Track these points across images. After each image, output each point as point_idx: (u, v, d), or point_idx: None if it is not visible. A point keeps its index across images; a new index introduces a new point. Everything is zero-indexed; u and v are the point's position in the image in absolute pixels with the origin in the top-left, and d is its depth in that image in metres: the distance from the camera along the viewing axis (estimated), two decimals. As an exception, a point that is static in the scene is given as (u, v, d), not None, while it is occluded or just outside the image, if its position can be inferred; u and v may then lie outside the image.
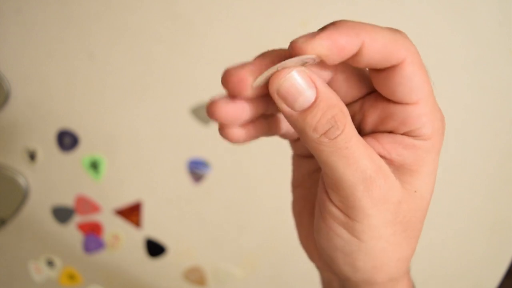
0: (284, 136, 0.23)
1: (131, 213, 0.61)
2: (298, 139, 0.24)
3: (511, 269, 0.59)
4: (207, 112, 0.19)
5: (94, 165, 0.59)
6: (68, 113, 0.57)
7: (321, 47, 0.16)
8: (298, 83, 0.17)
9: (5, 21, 0.53)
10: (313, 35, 0.16)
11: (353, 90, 0.20)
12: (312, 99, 0.17)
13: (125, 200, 0.61)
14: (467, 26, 0.48)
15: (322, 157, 0.17)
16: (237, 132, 0.19)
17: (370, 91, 0.20)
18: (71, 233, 0.63)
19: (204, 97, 0.54)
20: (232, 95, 0.18)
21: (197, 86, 0.54)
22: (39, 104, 0.57)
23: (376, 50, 0.17)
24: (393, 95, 0.18)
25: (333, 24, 0.17)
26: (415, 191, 0.19)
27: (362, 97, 0.20)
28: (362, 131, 0.20)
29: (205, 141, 0.56)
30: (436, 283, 0.60)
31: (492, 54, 0.49)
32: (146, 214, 0.61)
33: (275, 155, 0.53)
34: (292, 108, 0.17)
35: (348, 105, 0.20)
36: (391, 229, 0.19)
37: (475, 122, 0.52)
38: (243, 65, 0.18)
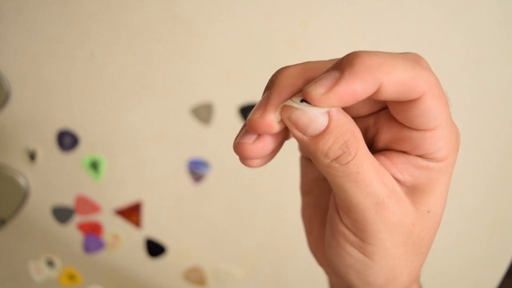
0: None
1: (131, 213, 0.61)
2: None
3: (511, 269, 0.58)
4: (234, 150, 0.19)
5: (94, 165, 0.59)
6: (68, 113, 0.57)
7: (337, 101, 0.16)
8: (309, 113, 0.17)
9: (5, 21, 0.53)
10: (328, 84, 0.16)
11: (368, 105, 0.20)
12: (324, 125, 0.17)
13: (125, 200, 0.61)
14: (467, 26, 0.48)
15: (334, 181, 0.17)
16: (258, 161, 0.19)
17: (385, 106, 0.20)
18: (71, 233, 0.63)
19: (204, 97, 0.54)
20: (259, 134, 0.18)
21: (197, 86, 0.54)
22: (39, 104, 0.57)
23: (394, 89, 0.16)
24: (410, 123, 0.18)
25: (349, 63, 0.16)
26: (428, 211, 0.19)
27: (377, 111, 0.20)
28: (374, 146, 0.20)
29: (205, 141, 0.56)
30: (436, 283, 0.60)
31: (492, 54, 0.49)
32: (146, 214, 0.61)
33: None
34: (304, 134, 0.17)
35: (361, 118, 0.20)
36: (403, 249, 0.19)
37: (475, 122, 0.52)
38: (264, 107, 0.17)
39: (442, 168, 0.19)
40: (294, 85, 0.18)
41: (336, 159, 0.17)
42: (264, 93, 0.18)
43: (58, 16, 0.52)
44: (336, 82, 0.16)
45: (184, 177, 0.58)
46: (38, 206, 0.62)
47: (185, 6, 0.51)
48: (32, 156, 0.59)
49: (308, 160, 0.24)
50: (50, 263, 0.65)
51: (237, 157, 0.19)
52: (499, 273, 0.59)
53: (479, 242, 0.57)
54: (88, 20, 0.52)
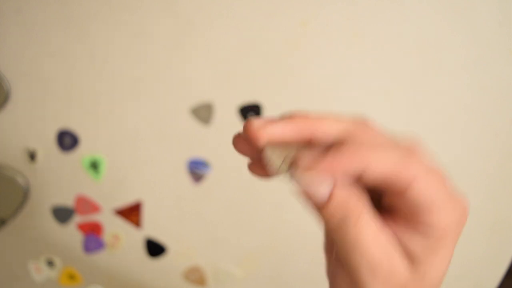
0: None
1: (131, 213, 0.61)
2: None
3: (511, 269, 0.58)
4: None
5: (94, 165, 0.59)
6: (68, 113, 0.57)
7: (321, 184, 0.19)
8: (315, 186, 0.19)
9: (5, 21, 0.53)
10: (315, 164, 0.19)
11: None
12: (327, 196, 0.19)
13: (125, 200, 0.61)
14: (467, 26, 0.48)
15: (336, 240, 0.20)
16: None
17: None
18: (71, 233, 0.63)
19: (204, 97, 0.54)
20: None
21: (197, 86, 0.54)
22: (39, 104, 0.57)
23: (377, 177, 0.19)
24: (406, 210, 0.20)
25: (340, 146, 0.19)
26: (424, 277, 0.20)
27: None
28: (380, 203, 0.21)
29: (205, 141, 0.56)
30: (436, 283, 0.60)
31: (492, 54, 0.49)
32: (146, 214, 0.61)
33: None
34: (313, 201, 0.20)
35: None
36: None
37: (475, 122, 0.52)
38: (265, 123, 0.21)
39: (444, 237, 0.20)
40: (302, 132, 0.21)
41: (338, 224, 0.19)
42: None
43: (58, 16, 0.52)
44: (325, 158, 0.19)
45: (184, 177, 0.58)
46: (38, 206, 0.62)
47: (185, 6, 0.51)
48: (32, 156, 0.59)
49: None
50: (50, 263, 0.65)
51: (237, 157, 0.20)
52: (499, 273, 0.59)
53: (479, 242, 0.57)
54: (88, 20, 0.52)
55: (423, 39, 0.49)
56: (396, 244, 0.20)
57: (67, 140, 0.58)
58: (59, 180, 0.60)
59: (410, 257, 0.20)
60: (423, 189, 0.19)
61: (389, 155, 0.19)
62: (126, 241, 0.63)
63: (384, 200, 0.21)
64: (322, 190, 0.19)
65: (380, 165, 0.19)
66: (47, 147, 0.58)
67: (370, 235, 0.19)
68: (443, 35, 0.49)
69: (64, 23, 0.53)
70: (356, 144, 0.20)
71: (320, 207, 0.20)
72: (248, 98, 0.53)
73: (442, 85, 0.51)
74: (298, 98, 0.53)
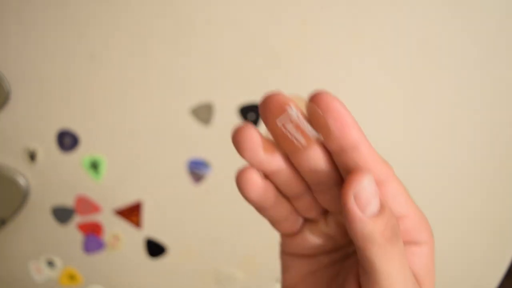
0: (280, 225, 0.22)
1: (131, 213, 0.61)
2: (295, 234, 0.23)
3: (511, 269, 0.59)
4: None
5: (94, 165, 0.59)
6: (68, 113, 0.57)
7: (344, 125, 0.18)
8: (370, 190, 0.17)
9: (5, 21, 0.53)
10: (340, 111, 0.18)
11: None
12: (379, 206, 0.18)
13: (125, 200, 0.61)
14: (467, 26, 0.48)
15: (382, 265, 0.18)
16: (255, 177, 0.20)
17: None
18: (71, 233, 0.63)
19: (204, 97, 0.54)
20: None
21: (197, 86, 0.54)
22: (39, 104, 0.57)
23: (365, 154, 0.18)
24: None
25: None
26: None
27: None
28: None
29: (205, 141, 0.56)
30: (436, 283, 0.60)
31: (492, 54, 0.49)
32: (146, 214, 0.61)
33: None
34: (363, 213, 0.17)
35: None
36: None
37: (475, 123, 0.52)
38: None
39: (429, 251, 0.20)
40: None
41: (390, 239, 0.18)
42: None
43: (58, 16, 0.52)
44: (342, 108, 0.18)
45: (184, 177, 0.58)
46: (38, 206, 0.62)
47: (185, 6, 0.51)
48: (32, 156, 0.59)
49: (291, 255, 0.24)
50: (50, 263, 0.65)
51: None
52: (499, 273, 0.59)
53: (479, 242, 0.57)
54: (88, 20, 0.52)
55: (423, 39, 0.49)
56: None
57: (67, 140, 0.58)
58: (59, 180, 0.60)
59: (417, 281, 0.20)
60: (396, 193, 0.19)
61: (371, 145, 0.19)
62: (126, 241, 0.63)
63: None
64: (375, 196, 0.18)
65: (370, 149, 0.19)
66: (47, 147, 0.58)
67: (406, 257, 0.19)
68: (443, 35, 0.49)
69: (64, 24, 0.53)
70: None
71: (375, 216, 0.17)
72: (248, 98, 0.53)
73: (442, 85, 0.51)
74: (298, 98, 0.53)
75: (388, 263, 0.18)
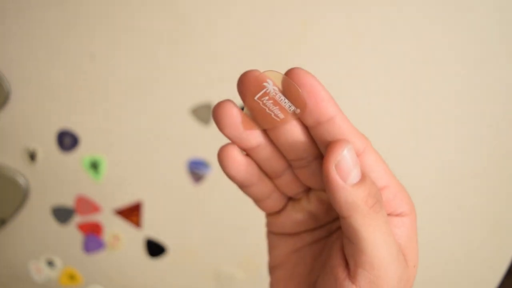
0: (263, 203, 0.23)
1: (131, 213, 0.61)
2: (278, 212, 0.23)
3: (511, 269, 0.58)
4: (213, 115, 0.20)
5: (94, 165, 0.59)
6: (68, 113, 0.57)
7: (320, 99, 0.19)
8: (350, 160, 0.18)
9: (5, 21, 0.53)
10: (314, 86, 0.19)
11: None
12: (360, 175, 0.18)
13: (125, 200, 0.61)
14: (467, 26, 0.48)
15: (367, 232, 0.18)
16: (235, 153, 0.20)
17: None
18: (71, 233, 0.63)
19: (204, 97, 0.54)
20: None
21: (197, 86, 0.54)
22: (39, 104, 0.57)
23: (343, 126, 0.19)
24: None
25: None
26: (414, 266, 0.20)
27: None
28: None
29: (205, 141, 0.56)
30: (437, 283, 0.60)
31: (492, 54, 0.49)
32: (146, 214, 0.61)
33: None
34: (345, 181, 0.18)
35: None
36: None
37: (475, 122, 0.52)
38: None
39: (411, 223, 0.20)
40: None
41: (373, 207, 0.18)
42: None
43: (59, 16, 0.52)
44: (320, 86, 0.19)
45: (184, 177, 0.58)
46: (38, 206, 0.62)
47: (185, 6, 0.51)
48: (32, 156, 0.59)
49: (277, 235, 0.24)
50: (50, 263, 0.66)
51: None
52: (499, 273, 0.59)
53: (479, 242, 0.57)
54: (88, 20, 0.52)
55: (423, 39, 0.49)
56: None
57: (67, 140, 0.58)
58: (59, 180, 0.60)
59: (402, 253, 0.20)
60: (375, 163, 0.20)
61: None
62: (126, 241, 0.63)
63: None
64: (356, 165, 0.18)
65: (347, 121, 0.19)
66: (47, 147, 0.58)
67: (388, 227, 0.19)
68: (443, 35, 0.49)
69: (64, 24, 0.53)
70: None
71: (357, 184, 0.18)
72: (248, 98, 0.53)
73: (442, 85, 0.51)
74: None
75: (373, 230, 0.18)
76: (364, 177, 0.18)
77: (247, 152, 0.20)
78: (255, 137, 0.20)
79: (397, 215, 0.20)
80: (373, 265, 0.18)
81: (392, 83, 0.51)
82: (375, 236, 0.18)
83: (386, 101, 0.52)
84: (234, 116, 0.19)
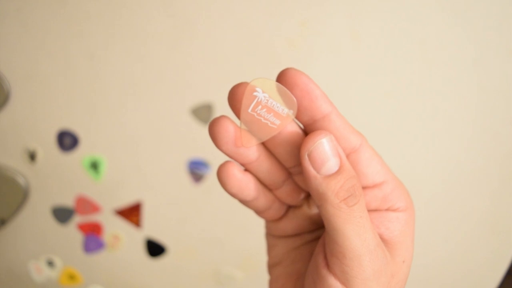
0: (264, 213, 0.23)
1: (131, 213, 0.61)
2: (278, 220, 0.24)
3: (511, 269, 0.59)
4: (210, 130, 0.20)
5: (94, 165, 0.59)
6: (68, 113, 0.57)
7: (313, 95, 0.18)
8: (327, 150, 0.18)
9: (5, 21, 0.53)
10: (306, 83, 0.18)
11: None
12: (337, 167, 0.18)
13: (125, 200, 0.61)
14: (467, 26, 0.48)
15: (337, 223, 0.18)
16: (234, 172, 0.20)
17: None
18: (71, 233, 0.63)
19: (204, 97, 0.54)
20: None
21: (197, 86, 0.54)
22: (39, 104, 0.57)
23: (338, 123, 0.19)
24: (363, 179, 0.20)
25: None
26: (403, 261, 0.20)
27: None
28: None
29: (205, 141, 0.56)
30: (437, 283, 0.60)
31: (492, 54, 0.49)
32: (146, 214, 0.61)
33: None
34: (318, 172, 0.18)
35: None
36: None
37: (475, 122, 0.52)
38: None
39: (408, 219, 0.20)
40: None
41: (345, 200, 0.18)
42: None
43: (58, 16, 0.52)
44: (312, 83, 0.19)
45: (184, 177, 0.58)
46: (38, 206, 0.62)
47: (185, 6, 0.51)
48: (32, 156, 0.59)
49: (278, 237, 0.24)
50: (50, 263, 0.66)
51: None
52: (499, 273, 0.59)
53: (479, 242, 0.57)
54: (88, 20, 0.52)
55: (423, 39, 0.49)
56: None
57: (67, 140, 0.58)
58: (59, 180, 0.60)
59: (389, 246, 0.20)
60: (371, 158, 0.20)
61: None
62: (126, 241, 0.63)
63: None
64: (333, 156, 0.18)
65: (342, 119, 0.19)
66: (47, 147, 0.58)
67: (369, 218, 0.19)
68: (443, 35, 0.49)
69: (64, 23, 0.53)
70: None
71: (330, 176, 0.18)
72: (248, 98, 0.53)
73: (442, 85, 0.51)
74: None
75: (343, 222, 0.18)
76: (341, 169, 0.18)
77: (246, 167, 0.20)
78: (253, 151, 0.20)
79: (393, 210, 0.20)
80: (345, 255, 0.18)
81: (392, 83, 0.51)
82: (346, 227, 0.18)
83: (386, 101, 0.52)
84: (230, 132, 0.19)
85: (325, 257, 0.20)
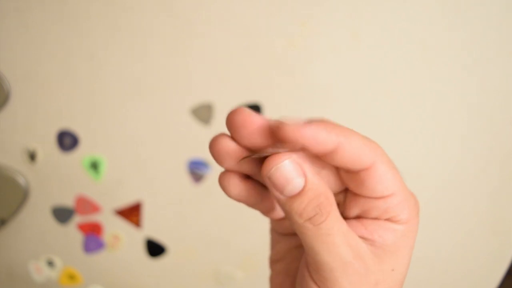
0: (269, 214, 0.23)
1: (131, 213, 0.61)
2: (282, 219, 0.24)
3: (511, 269, 0.59)
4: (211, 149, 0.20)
5: (94, 165, 0.59)
6: (68, 113, 0.57)
7: (302, 140, 0.17)
8: (288, 172, 0.18)
9: (5, 21, 0.53)
10: (299, 125, 0.17)
11: (337, 183, 0.21)
12: (300, 187, 0.18)
13: (125, 200, 0.61)
14: (467, 26, 0.48)
15: (305, 240, 0.19)
16: (235, 180, 0.20)
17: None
18: (71, 233, 0.63)
19: (204, 97, 0.54)
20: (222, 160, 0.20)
21: (197, 86, 0.54)
22: (39, 104, 0.57)
23: (350, 151, 0.18)
24: (371, 193, 0.20)
25: (317, 119, 0.18)
26: (393, 270, 0.20)
27: (344, 190, 0.22)
28: (346, 217, 0.21)
29: (205, 141, 0.56)
30: (437, 283, 0.60)
31: (492, 54, 0.49)
32: (146, 214, 0.61)
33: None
34: (281, 193, 0.18)
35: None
36: None
37: (475, 122, 0.52)
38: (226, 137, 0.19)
39: (406, 230, 0.20)
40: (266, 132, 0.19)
41: (310, 219, 0.18)
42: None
43: (58, 16, 0.52)
44: (305, 124, 0.17)
45: (184, 177, 0.58)
46: (38, 206, 0.62)
47: (185, 6, 0.51)
48: (32, 156, 0.59)
49: (279, 233, 0.25)
50: (50, 263, 0.66)
51: None
52: (499, 273, 0.59)
53: (479, 242, 0.57)
54: (88, 20, 0.52)
55: (423, 39, 0.49)
56: (360, 240, 0.20)
57: (67, 140, 0.58)
58: (59, 180, 0.60)
59: (379, 253, 0.20)
60: (383, 171, 0.19)
61: (358, 135, 0.19)
62: (126, 241, 0.63)
63: (351, 213, 0.21)
64: (297, 179, 0.18)
65: (353, 141, 0.18)
66: (47, 147, 0.58)
67: (342, 232, 0.19)
68: (443, 35, 0.49)
69: (64, 23, 0.53)
70: (329, 120, 0.18)
71: (293, 197, 0.18)
72: (248, 98, 0.53)
73: (442, 85, 0.51)
74: (298, 98, 0.53)
75: (311, 239, 0.18)
76: (305, 190, 0.18)
77: (248, 174, 0.21)
78: (252, 165, 0.20)
79: (394, 221, 0.20)
80: (319, 269, 0.19)
81: (392, 83, 0.51)
82: (314, 244, 0.18)
83: (386, 101, 0.52)
84: (230, 150, 0.19)
85: (308, 268, 0.20)
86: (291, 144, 0.18)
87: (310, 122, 0.18)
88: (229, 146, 0.19)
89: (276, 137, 0.18)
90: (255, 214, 0.23)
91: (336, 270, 0.19)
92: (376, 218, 0.20)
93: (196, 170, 0.58)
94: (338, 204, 0.21)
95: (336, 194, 0.22)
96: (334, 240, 0.18)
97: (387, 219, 0.20)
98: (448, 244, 0.58)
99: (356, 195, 0.21)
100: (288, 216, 0.19)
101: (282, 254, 0.25)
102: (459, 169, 0.54)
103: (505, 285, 0.59)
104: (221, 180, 0.20)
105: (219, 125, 0.55)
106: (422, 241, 0.59)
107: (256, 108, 0.53)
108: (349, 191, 0.21)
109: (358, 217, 0.21)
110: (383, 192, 0.19)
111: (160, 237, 0.62)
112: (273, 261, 0.25)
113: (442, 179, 0.55)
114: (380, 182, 0.19)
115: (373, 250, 0.20)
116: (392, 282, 0.20)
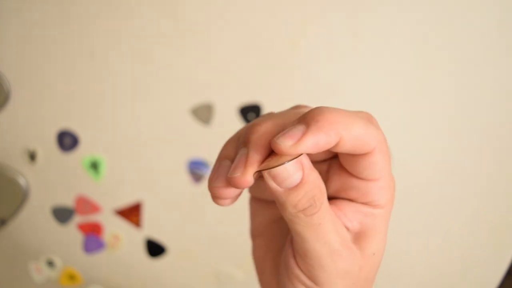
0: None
1: (131, 213, 0.61)
2: (260, 177, 0.24)
3: (511, 269, 0.58)
4: (210, 191, 0.22)
5: (94, 165, 0.59)
6: (68, 113, 0.57)
7: (302, 151, 0.17)
8: (289, 169, 0.18)
9: (5, 21, 0.53)
10: (296, 137, 0.17)
11: (323, 153, 0.21)
12: (298, 181, 0.18)
13: (125, 200, 0.61)
14: (467, 26, 0.48)
15: (296, 229, 0.19)
16: (229, 201, 0.22)
17: (337, 155, 0.22)
18: (71, 233, 0.63)
19: (204, 97, 0.54)
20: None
21: (197, 86, 0.54)
22: (39, 104, 0.57)
23: (351, 144, 0.18)
24: (358, 174, 0.20)
25: (314, 119, 0.18)
26: (374, 254, 0.21)
27: (330, 159, 0.22)
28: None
29: (205, 141, 0.56)
30: (437, 283, 0.60)
31: (492, 54, 0.49)
32: (146, 214, 0.61)
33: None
34: (279, 186, 0.19)
35: (316, 163, 0.22)
36: None
37: (475, 122, 0.52)
38: (244, 167, 0.19)
39: (383, 214, 0.21)
40: (267, 146, 0.19)
41: (303, 210, 0.19)
42: (239, 149, 0.20)
43: (58, 16, 0.52)
44: (303, 135, 0.17)
45: (184, 177, 0.58)
46: (38, 206, 0.62)
47: (185, 6, 0.51)
48: (32, 156, 0.59)
49: (259, 201, 0.25)
50: (50, 263, 0.66)
51: None
52: (499, 273, 0.59)
53: (479, 242, 0.57)
54: (88, 20, 0.52)
55: (423, 39, 0.49)
56: (344, 227, 0.21)
57: (67, 140, 0.58)
58: (59, 180, 0.60)
59: (359, 239, 0.21)
60: (378, 158, 0.19)
61: (358, 122, 0.19)
62: (126, 241, 0.63)
63: (329, 187, 0.21)
64: (296, 173, 0.18)
65: (354, 132, 0.18)
66: (47, 147, 0.58)
67: (331, 221, 0.19)
68: (443, 35, 0.49)
69: (64, 23, 0.53)
70: (327, 110, 0.18)
71: (291, 189, 0.18)
72: (248, 98, 0.53)
73: (442, 85, 0.51)
74: (298, 98, 0.53)
75: (302, 228, 0.19)
76: (302, 183, 0.18)
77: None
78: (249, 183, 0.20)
79: (372, 205, 0.21)
80: (306, 256, 0.20)
81: (392, 83, 0.51)
82: (304, 233, 0.19)
83: (385, 101, 0.52)
84: (228, 190, 0.21)
85: (294, 255, 0.21)
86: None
87: (304, 119, 0.18)
88: (235, 191, 0.21)
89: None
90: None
91: (325, 257, 0.19)
92: (352, 200, 0.21)
93: (196, 170, 0.58)
94: (321, 173, 0.21)
95: (320, 163, 0.22)
96: (324, 229, 0.19)
97: (365, 203, 0.21)
98: (448, 244, 0.58)
99: (341, 169, 0.21)
100: (280, 206, 0.19)
101: (262, 229, 0.25)
102: (459, 169, 0.54)
103: (505, 285, 0.59)
104: (214, 198, 0.22)
105: (219, 125, 0.55)
106: (422, 241, 0.59)
107: (256, 108, 0.53)
108: (334, 163, 0.22)
109: (335, 199, 0.21)
110: (371, 176, 0.20)
111: (160, 237, 0.62)
112: (253, 235, 0.26)
113: (442, 179, 0.55)
114: (373, 167, 0.20)
115: (352, 236, 0.21)
116: (372, 266, 0.21)
